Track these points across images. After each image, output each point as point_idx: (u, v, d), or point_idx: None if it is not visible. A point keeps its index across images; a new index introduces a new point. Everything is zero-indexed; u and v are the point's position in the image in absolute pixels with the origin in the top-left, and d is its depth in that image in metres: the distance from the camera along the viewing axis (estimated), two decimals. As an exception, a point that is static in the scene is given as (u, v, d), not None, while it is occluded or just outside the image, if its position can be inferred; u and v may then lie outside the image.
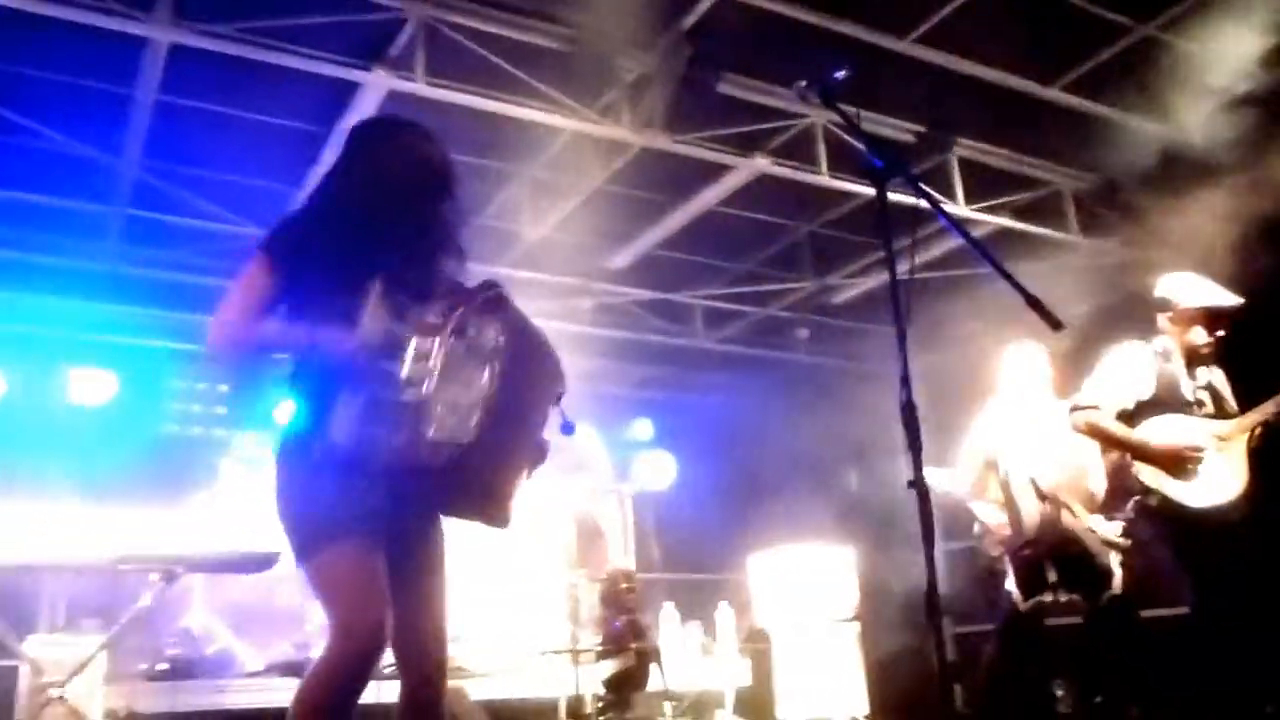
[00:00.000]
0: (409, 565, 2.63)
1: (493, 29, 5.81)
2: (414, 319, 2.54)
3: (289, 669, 6.48)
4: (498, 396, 2.54)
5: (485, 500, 2.65)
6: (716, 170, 7.12)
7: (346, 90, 6.08)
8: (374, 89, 5.87)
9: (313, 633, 7.00)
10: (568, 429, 2.87)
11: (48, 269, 7.49)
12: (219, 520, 7.15)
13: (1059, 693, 5.26)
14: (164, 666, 6.35)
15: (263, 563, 5.52)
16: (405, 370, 2.48)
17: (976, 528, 5.04)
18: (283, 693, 6.02)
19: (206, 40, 5.40)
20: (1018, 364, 5.01)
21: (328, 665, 2.46)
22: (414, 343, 2.50)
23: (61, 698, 5.08)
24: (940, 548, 8.95)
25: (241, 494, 7.55)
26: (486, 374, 2.55)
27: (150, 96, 5.93)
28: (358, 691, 2.47)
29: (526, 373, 2.67)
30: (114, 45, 5.57)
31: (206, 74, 5.88)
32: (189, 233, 7.54)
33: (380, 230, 2.71)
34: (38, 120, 6.25)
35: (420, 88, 5.78)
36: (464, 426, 2.49)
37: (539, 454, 2.76)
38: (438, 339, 2.52)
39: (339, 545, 2.50)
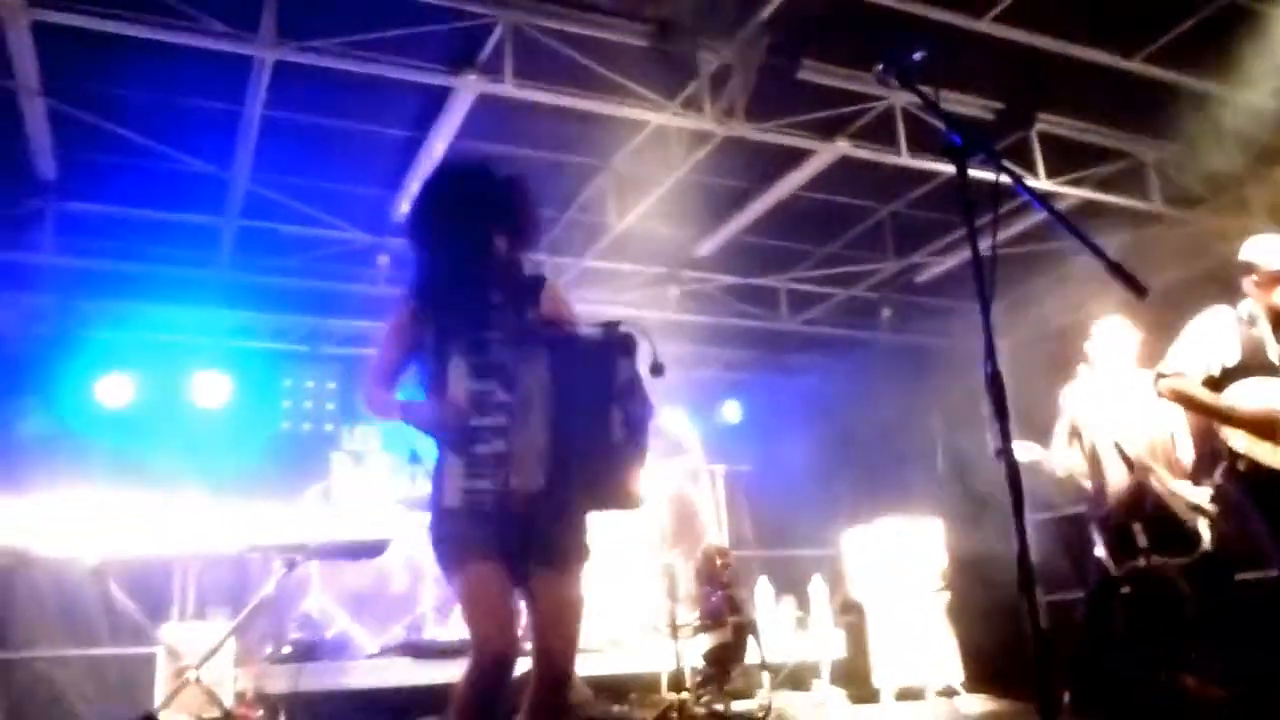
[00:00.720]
0: (539, 589, 2.86)
1: (576, 29, 5.97)
2: (496, 372, 2.83)
3: (403, 650, 6.75)
4: (553, 434, 2.82)
5: (601, 500, 2.93)
6: (798, 155, 7.22)
7: (440, 95, 6.32)
8: (465, 93, 6.11)
9: (424, 616, 7.28)
10: (658, 371, 3.04)
11: (168, 279, 7.92)
12: (334, 511, 7.48)
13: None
14: (287, 649, 6.61)
15: (374, 550, 5.80)
16: (489, 423, 2.79)
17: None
18: (397, 672, 6.35)
19: (308, 56, 5.66)
20: (1105, 337, 5.04)
21: (468, 672, 2.76)
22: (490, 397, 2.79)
23: (197, 680, 5.41)
24: (1029, 518, 9.00)
25: (352, 486, 7.88)
26: (539, 418, 2.83)
27: (257, 112, 6.23)
28: (493, 693, 2.75)
29: (575, 394, 2.88)
30: (222, 65, 5.86)
31: (309, 88, 6.15)
32: (296, 240, 7.88)
33: (452, 287, 2.94)
34: (155, 140, 6.58)
35: (508, 89, 5.98)
36: (535, 477, 2.80)
37: (631, 447, 2.91)
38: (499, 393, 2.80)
39: (467, 571, 2.80)
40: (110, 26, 5.28)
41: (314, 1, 5.42)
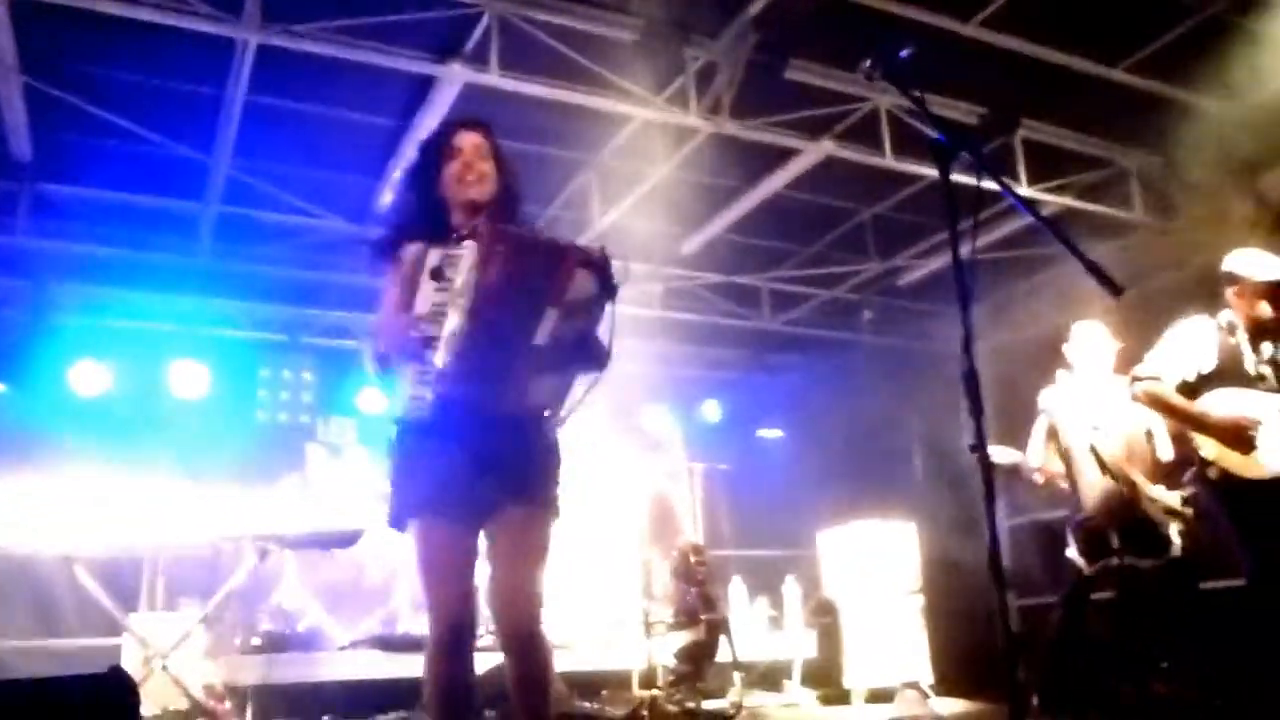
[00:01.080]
0: (499, 542, 2.79)
1: (563, 21, 5.96)
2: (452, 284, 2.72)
3: (374, 643, 6.72)
4: (474, 319, 2.68)
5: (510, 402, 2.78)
6: (783, 155, 7.22)
7: (424, 85, 6.29)
8: (450, 82, 6.07)
9: (398, 610, 7.25)
10: (609, 292, 2.87)
11: (147, 266, 7.86)
12: (308, 501, 7.44)
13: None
14: (258, 641, 6.58)
15: (347, 540, 5.79)
16: (438, 332, 2.68)
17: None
18: (368, 665, 6.32)
19: (292, 40, 5.61)
20: (1083, 341, 5.08)
21: (428, 649, 2.72)
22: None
23: (164, 669, 5.37)
24: (1004, 523, 9.05)
25: (327, 477, 7.83)
26: (462, 303, 2.69)
27: (240, 96, 6.18)
28: (456, 665, 2.71)
29: (522, 293, 2.74)
30: (205, 48, 5.82)
31: (292, 73, 6.11)
32: (277, 228, 7.83)
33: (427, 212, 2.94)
34: (135, 122, 6.52)
35: (494, 80, 5.95)
36: (475, 386, 2.68)
37: (548, 358, 2.78)
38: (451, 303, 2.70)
39: (423, 532, 2.72)
40: (90, 4, 5.21)
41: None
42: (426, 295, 2.72)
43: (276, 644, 6.54)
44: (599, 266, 2.79)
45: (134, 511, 5.31)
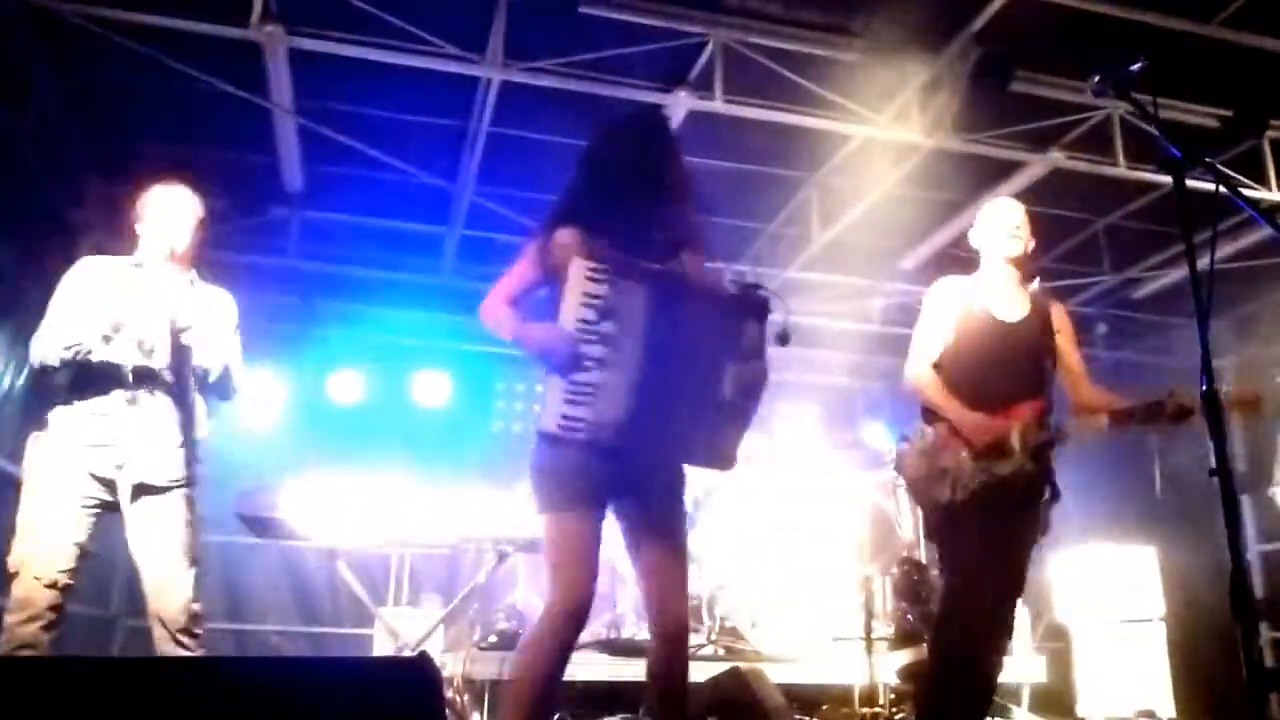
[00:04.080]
0: (639, 536, 2.93)
1: (785, 45, 6.09)
2: (611, 305, 2.76)
3: (600, 646, 6.97)
4: (645, 369, 2.75)
5: (693, 454, 2.94)
6: (1009, 167, 7.10)
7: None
8: (677, 109, 6.27)
9: (623, 616, 7.50)
10: (784, 340, 3.03)
11: (396, 284, 8.49)
12: (541, 508, 7.80)
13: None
14: (493, 638, 6.95)
15: (578, 546, 6.05)
16: (594, 353, 2.75)
17: None
18: (594, 667, 6.57)
19: (531, 76, 6.00)
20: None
21: (541, 622, 2.83)
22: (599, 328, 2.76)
23: (411, 660, 5.75)
24: (1257, 548, 8.47)
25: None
26: (632, 348, 2.76)
27: (483, 129, 6.63)
28: (569, 639, 2.81)
29: (696, 344, 2.84)
30: (451, 86, 6.31)
31: (528, 105, 6.47)
32: (512, 249, 8.22)
33: (603, 219, 2.97)
34: (389, 154, 6.97)
35: (718, 106, 6.15)
36: (629, 413, 2.75)
37: (736, 409, 2.89)
38: (608, 325, 2.76)
39: (560, 516, 2.84)
40: (356, 52, 5.76)
41: (538, 25, 5.70)
42: (578, 310, 2.76)
43: (510, 642, 6.86)
44: (761, 311, 2.91)
45: (389, 511, 5.73)
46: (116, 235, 4.41)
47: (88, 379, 3.47)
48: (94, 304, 3.50)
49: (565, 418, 2.75)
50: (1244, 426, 6.83)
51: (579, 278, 2.76)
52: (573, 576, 2.79)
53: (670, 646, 2.89)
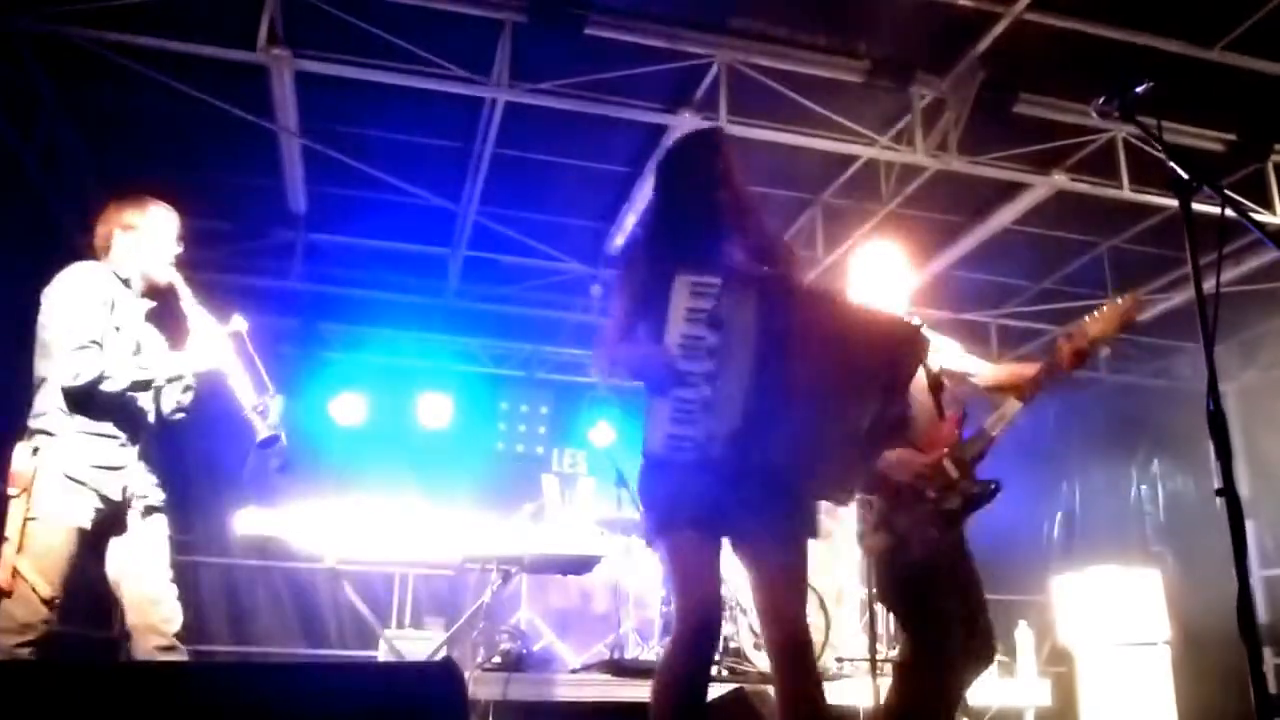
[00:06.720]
0: (752, 554, 2.83)
1: (789, 66, 6.10)
2: (713, 319, 2.65)
3: (607, 667, 6.93)
4: (761, 382, 2.62)
5: (820, 485, 2.81)
6: (1012, 189, 7.11)
7: (655, 133, 6.57)
8: (681, 130, 6.29)
9: (626, 636, 7.47)
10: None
11: (400, 306, 8.51)
12: (546, 528, 7.79)
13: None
14: (497, 659, 6.92)
15: (584, 565, 6.03)
16: (698, 368, 2.63)
17: None
18: (597, 688, 6.53)
19: (536, 97, 6.00)
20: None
21: (670, 648, 2.76)
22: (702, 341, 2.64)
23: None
24: (1261, 573, 8.43)
25: (561, 505, 8.17)
26: (743, 361, 2.63)
27: (487, 150, 6.63)
28: (697, 667, 2.71)
29: (839, 370, 2.72)
30: (455, 107, 6.33)
31: (532, 126, 6.50)
32: (516, 270, 8.31)
33: (681, 241, 2.87)
34: (393, 176, 7.01)
35: (723, 126, 6.16)
36: (726, 419, 2.62)
37: (869, 445, 2.78)
38: (712, 338, 2.64)
39: (674, 539, 2.74)
40: (361, 74, 5.78)
41: (544, 46, 5.72)
42: (682, 326, 2.67)
43: (514, 663, 6.84)
44: (917, 348, 2.83)
45: (393, 532, 5.72)
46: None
47: (112, 401, 3.49)
48: (119, 328, 3.56)
49: (671, 436, 2.65)
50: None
51: (683, 293, 2.67)
52: (687, 602, 2.71)
53: (783, 656, 2.76)
